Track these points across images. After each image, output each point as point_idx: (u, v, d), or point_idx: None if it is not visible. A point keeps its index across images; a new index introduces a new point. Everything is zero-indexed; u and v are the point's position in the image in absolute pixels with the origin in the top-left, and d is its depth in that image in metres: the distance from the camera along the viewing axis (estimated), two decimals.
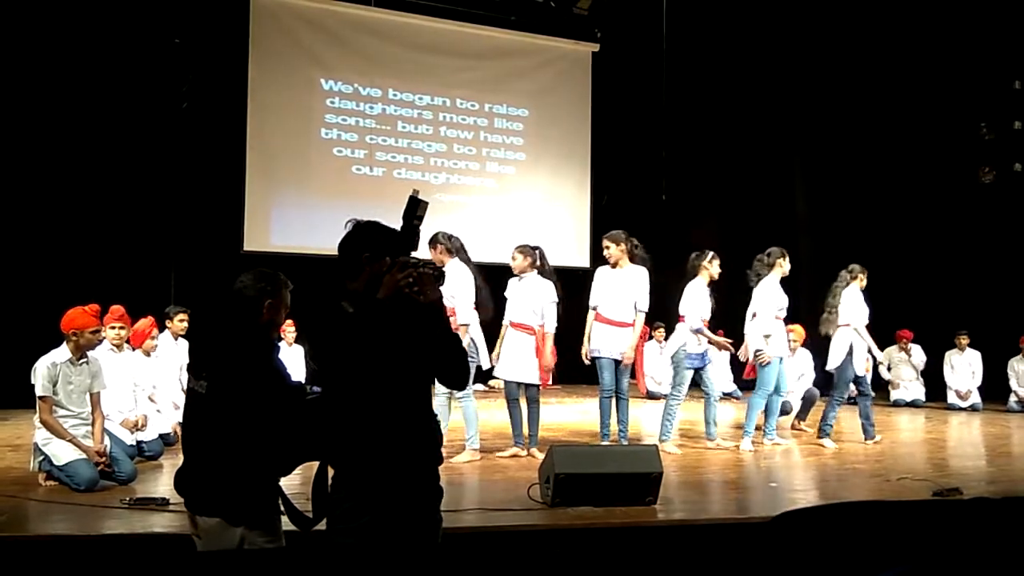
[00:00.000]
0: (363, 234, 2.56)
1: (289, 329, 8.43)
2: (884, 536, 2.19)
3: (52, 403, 4.84)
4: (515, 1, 11.91)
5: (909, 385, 10.64)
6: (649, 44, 11.92)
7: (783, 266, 6.81)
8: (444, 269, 2.72)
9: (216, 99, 10.44)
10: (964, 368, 10.42)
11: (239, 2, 10.60)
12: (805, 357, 8.55)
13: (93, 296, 5.33)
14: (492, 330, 6.19)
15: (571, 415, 8.85)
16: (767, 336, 6.66)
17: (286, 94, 10.97)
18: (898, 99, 11.07)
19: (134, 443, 5.58)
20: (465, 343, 5.49)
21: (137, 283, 9.02)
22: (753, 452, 6.50)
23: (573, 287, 6.54)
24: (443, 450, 2.65)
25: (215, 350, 2.79)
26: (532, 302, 6.08)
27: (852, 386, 7.14)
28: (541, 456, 5.89)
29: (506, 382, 6.22)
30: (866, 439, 7.06)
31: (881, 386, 10.09)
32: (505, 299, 6.27)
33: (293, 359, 8.09)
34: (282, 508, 2.77)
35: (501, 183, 12.27)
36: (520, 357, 6.07)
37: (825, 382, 7.80)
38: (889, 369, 10.78)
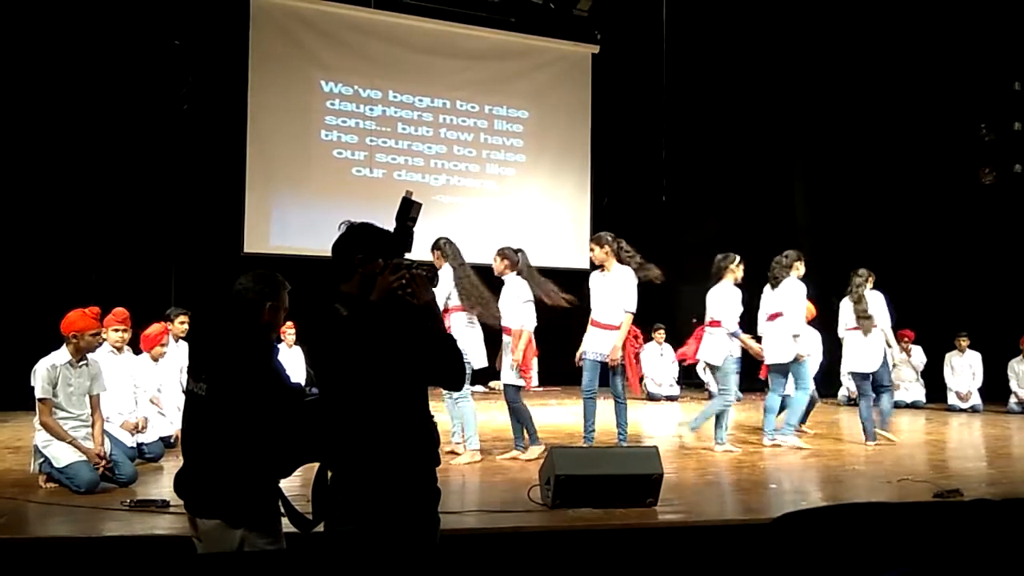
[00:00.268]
0: (356, 236, 2.56)
1: (289, 331, 8.42)
2: (885, 538, 2.19)
3: (52, 405, 4.83)
4: (515, 3, 11.92)
5: (909, 386, 10.63)
6: (649, 46, 11.95)
7: (800, 268, 6.97)
8: (439, 271, 2.72)
9: (216, 101, 10.46)
10: (964, 370, 10.42)
11: (239, 4, 10.62)
12: None
13: (94, 298, 5.34)
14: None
15: (569, 417, 8.84)
16: (796, 336, 6.76)
17: (286, 96, 10.98)
18: (898, 100, 11.07)
19: (134, 445, 5.58)
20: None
21: (137, 285, 9.03)
22: (798, 449, 6.68)
23: (572, 288, 6.52)
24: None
25: (215, 352, 2.79)
26: (508, 303, 6.12)
27: (852, 387, 7.18)
28: (529, 456, 5.93)
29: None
30: (867, 440, 7.08)
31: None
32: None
33: (293, 361, 8.08)
34: (282, 510, 2.77)
35: (501, 184, 12.27)
36: (503, 359, 6.13)
37: (825, 383, 7.79)
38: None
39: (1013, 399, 10.20)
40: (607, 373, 6.18)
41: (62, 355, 4.88)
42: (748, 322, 7.69)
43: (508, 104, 12.35)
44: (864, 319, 7.10)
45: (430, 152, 11.86)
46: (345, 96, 11.42)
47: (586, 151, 12.69)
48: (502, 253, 6.21)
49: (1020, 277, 10.50)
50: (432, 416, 2.59)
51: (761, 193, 12.31)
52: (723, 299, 6.60)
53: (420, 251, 2.66)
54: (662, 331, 11.40)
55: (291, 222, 10.83)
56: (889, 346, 7.40)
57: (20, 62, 8.96)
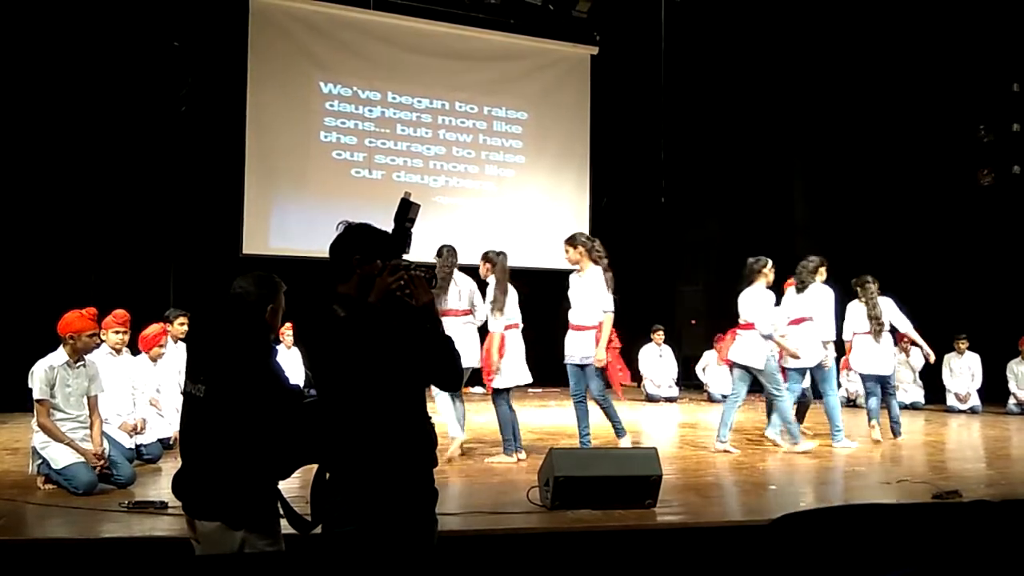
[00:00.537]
0: (354, 236, 2.55)
1: (287, 332, 8.42)
2: (884, 539, 2.19)
3: (50, 406, 4.83)
4: (514, 4, 11.92)
5: (908, 388, 10.63)
6: (648, 47, 11.95)
7: (823, 273, 7.10)
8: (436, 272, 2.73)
9: (215, 102, 10.45)
10: (963, 372, 10.41)
11: (238, 5, 10.61)
12: None
13: (92, 299, 5.33)
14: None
15: (569, 419, 8.82)
16: (826, 342, 6.91)
17: (285, 97, 10.98)
18: (897, 101, 11.07)
19: (133, 446, 5.58)
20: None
21: (136, 285, 9.03)
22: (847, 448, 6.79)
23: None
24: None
25: (213, 354, 2.79)
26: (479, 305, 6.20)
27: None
28: (504, 460, 5.94)
29: None
30: (895, 436, 7.39)
31: None
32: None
33: (291, 362, 8.07)
34: (281, 511, 2.76)
35: (500, 186, 12.27)
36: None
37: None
38: None
39: (1012, 400, 10.20)
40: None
41: (60, 356, 4.88)
42: (734, 323, 7.68)
43: (507, 105, 12.35)
44: (880, 324, 7.27)
45: (429, 153, 11.86)
46: (344, 97, 11.42)
47: (585, 152, 12.69)
48: (486, 256, 6.28)
49: (1019, 278, 10.50)
50: (430, 417, 2.59)
51: (760, 193, 12.32)
52: (756, 302, 6.63)
53: (419, 252, 2.66)
54: (661, 332, 11.38)
55: (290, 223, 10.83)
56: (918, 346, 7.91)
57: (20, 63, 8.95)
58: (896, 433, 7.43)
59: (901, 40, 10.80)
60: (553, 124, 12.54)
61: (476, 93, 12.11)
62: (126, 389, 5.75)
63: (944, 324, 10.59)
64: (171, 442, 6.07)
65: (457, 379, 2.64)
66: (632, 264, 12.36)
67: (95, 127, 9.35)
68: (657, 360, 11.33)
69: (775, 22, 11.48)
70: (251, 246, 10.65)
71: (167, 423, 6.21)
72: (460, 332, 5.90)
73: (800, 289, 7.02)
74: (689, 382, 11.94)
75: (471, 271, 6.39)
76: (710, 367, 11.37)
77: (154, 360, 6.17)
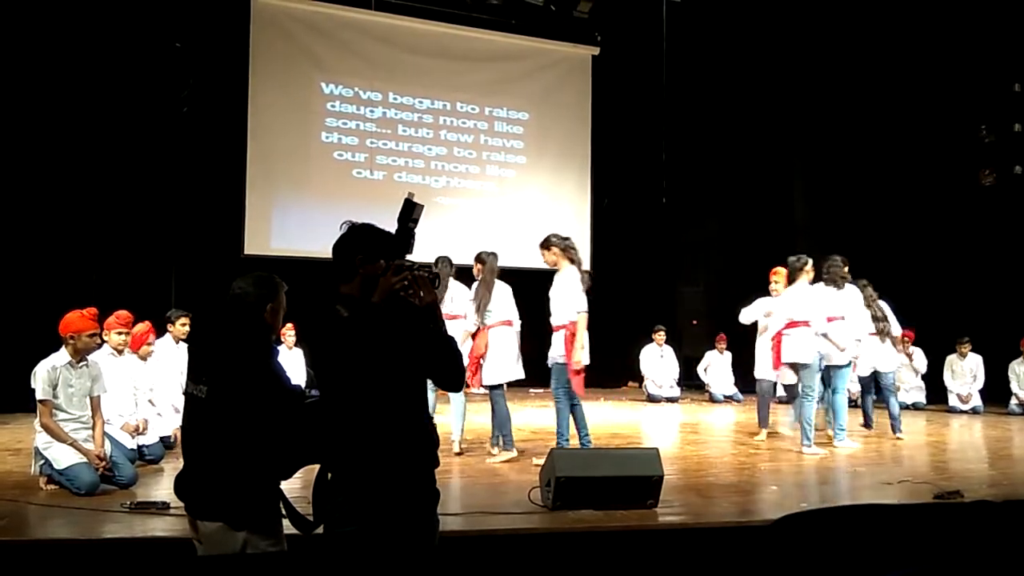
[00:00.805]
0: (357, 236, 2.55)
1: (289, 333, 8.43)
2: (886, 539, 2.19)
3: (52, 407, 4.83)
4: (515, 5, 11.92)
5: (910, 388, 10.62)
6: (649, 47, 11.95)
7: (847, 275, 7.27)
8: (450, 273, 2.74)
9: (217, 103, 10.46)
10: (965, 374, 10.41)
11: (240, 6, 10.62)
12: None
13: (94, 299, 5.33)
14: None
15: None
16: (859, 340, 7.06)
17: (286, 98, 10.99)
18: (898, 101, 11.07)
19: (135, 447, 5.58)
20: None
21: (138, 286, 9.03)
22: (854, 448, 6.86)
23: None
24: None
25: (214, 355, 2.79)
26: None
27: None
28: (506, 456, 6.00)
29: None
30: (894, 433, 7.52)
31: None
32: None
33: (293, 362, 8.08)
34: (283, 511, 2.77)
35: (501, 186, 12.28)
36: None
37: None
38: None
39: (1014, 400, 10.19)
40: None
41: (62, 356, 4.88)
42: (735, 323, 7.69)
43: (508, 106, 12.36)
44: (885, 324, 7.52)
45: (430, 154, 11.87)
46: (345, 98, 11.42)
47: (586, 152, 12.69)
48: (478, 257, 6.40)
49: (1020, 278, 10.50)
50: (432, 418, 2.59)
51: (761, 194, 12.32)
52: (805, 300, 6.66)
53: (419, 253, 2.66)
54: (662, 332, 11.37)
55: (291, 224, 10.84)
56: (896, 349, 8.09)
57: (22, 64, 8.96)
58: (896, 430, 7.49)
59: (902, 40, 10.80)
60: (554, 124, 12.54)
61: (477, 93, 12.12)
62: (128, 390, 5.76)
63: (946, 324, 10.60)
64: (172, 441, 6.08)
65: (459, 379, 2.65)
66: (633, 264, 12.40)
67: (97, 128, 9.36)
68: (658, 360, 11.33)
69: (776, 23, 11.48)
70: (252, 247, 10.66)
71: (164, 421, 6.21)
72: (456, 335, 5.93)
73: (839, 287, 7.03)
74: (690, 382, 11.93)
75: (471, 271, 6.45)
76: (711, 367, 11.38)
77: (144, 358, 6.14)
